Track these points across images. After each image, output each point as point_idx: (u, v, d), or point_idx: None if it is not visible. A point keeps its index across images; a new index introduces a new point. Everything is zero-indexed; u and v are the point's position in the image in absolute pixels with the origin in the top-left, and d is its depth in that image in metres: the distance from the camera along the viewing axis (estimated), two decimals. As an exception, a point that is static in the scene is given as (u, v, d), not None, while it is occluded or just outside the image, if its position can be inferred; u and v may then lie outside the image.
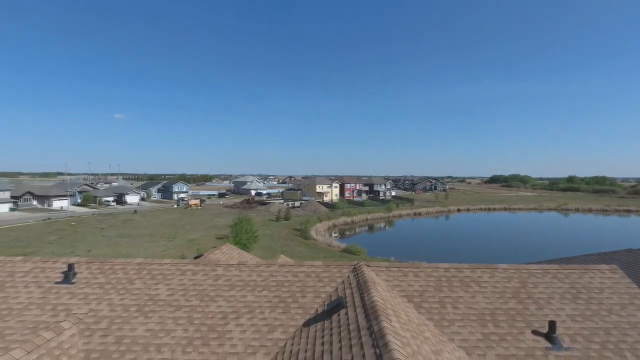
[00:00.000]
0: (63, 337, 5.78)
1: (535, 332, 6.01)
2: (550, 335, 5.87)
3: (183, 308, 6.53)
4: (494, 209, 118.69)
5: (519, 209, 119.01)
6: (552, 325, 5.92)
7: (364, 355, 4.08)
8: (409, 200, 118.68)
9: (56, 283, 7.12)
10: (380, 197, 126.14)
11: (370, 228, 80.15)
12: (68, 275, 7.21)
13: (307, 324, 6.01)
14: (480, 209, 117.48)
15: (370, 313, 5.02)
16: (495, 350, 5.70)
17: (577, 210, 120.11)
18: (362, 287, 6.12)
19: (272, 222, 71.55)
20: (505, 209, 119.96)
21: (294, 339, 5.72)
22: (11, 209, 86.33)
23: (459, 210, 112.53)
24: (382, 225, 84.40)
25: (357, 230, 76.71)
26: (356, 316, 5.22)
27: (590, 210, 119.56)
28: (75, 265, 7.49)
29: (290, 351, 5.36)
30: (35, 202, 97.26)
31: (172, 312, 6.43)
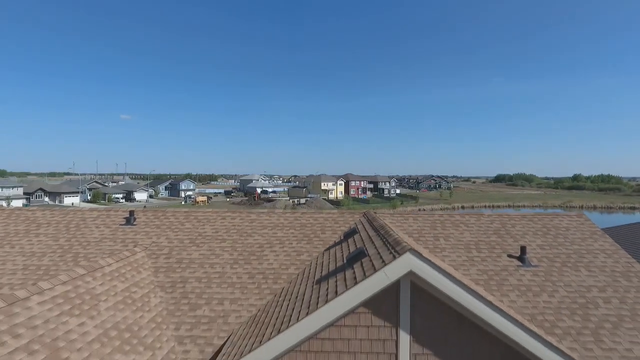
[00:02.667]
0: (137, 256, 7.38)
1: (509, 256, 7.52)
2: (521, 257, 7.37)
3: (227, 240, 8.12)
4: (498, 206, 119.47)
5: (523, 206, 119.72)
6: (523, 249, 7.42)
7: (375, 245, 5.62)
8: (414, 198, 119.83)
9: (121, 225, 8.75)
10: (385, 195, 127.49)
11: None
12: (129, 219, 8.83)
13: (327, 249, 7.57)
14: (484, 206, 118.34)
15: (378, 228, 6.57)
16: (477, 267, 7.21)
17: (581, 207, 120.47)
18: (371, 220, 7.67)
19: (279, 217, 73.26)
20: (509, 206, 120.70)
21: (317, 258, 7.27)
22: (24, 205, 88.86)
23: (462, 207, 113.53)
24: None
25: (362, 225, 78.11)
26: (368, 234, 6.76)
27: (594, 208, 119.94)
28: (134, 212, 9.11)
29: (316, 264, 6.91)
30: (46, 199, 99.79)
31: (218, 243, 8.03)
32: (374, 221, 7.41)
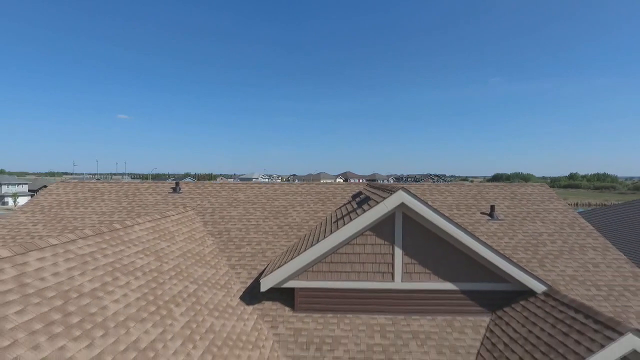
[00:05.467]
0: (189, 213, 9.36)
1: (482, 213, 9.53)
2: (491, 213, 9.38)
3: (257, 203, 10.11)
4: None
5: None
6: (492, 207, 9.43)
7: (377, 194, 7.60)
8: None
9: (169, 193, 10.72)
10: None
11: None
12: (176, 189, 10.81)
13: (339, 207, 9.57)
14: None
15: (379, 186, 8.56)
16: (456, 220, 9.20)
17: (576, 205, 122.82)
18: (374, 185, 9.67)
19: (280, 212, 75.25)
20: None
21: (331, 214, 9.27)
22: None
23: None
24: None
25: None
26: (371, 192, 8.75)
27: (589, 205, 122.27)
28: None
29: (331, 216, 8.90)
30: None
31: (251, 205, 10.02)
32: (375, 185, 9.42)
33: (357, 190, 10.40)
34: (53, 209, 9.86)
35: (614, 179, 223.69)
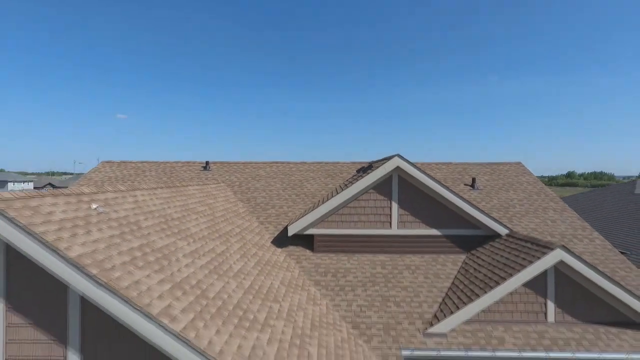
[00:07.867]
0: (221, 185, 11.23)
1: (465, 184, 11.42)
2: (472, 184, 11.27)
3: (276, 178, 12.00)
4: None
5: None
6: (473, 180, 11.33)
7: (379, 164, 9.47)
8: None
9: (201, 171, 12.60)
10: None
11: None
12: (206, 167, 12.69)
13: (346, 180, 11.46)
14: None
15: (379, 161, 10.43)
16: (443, 190, 11.08)
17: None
18: (374, 162, 11.54)
19: (282, 208, 77.16)
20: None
21: (340, 185, 11.14)
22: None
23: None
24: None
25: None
26: (373, 164, 10.62)
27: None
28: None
29: (340, 185, 10.78)
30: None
31: (271, 179, 11.90)
32: (375, 161, 11.30)
33: (361, 167, 12.29)
34: (104, 183, 11.72)
35: (610, 177, 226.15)
